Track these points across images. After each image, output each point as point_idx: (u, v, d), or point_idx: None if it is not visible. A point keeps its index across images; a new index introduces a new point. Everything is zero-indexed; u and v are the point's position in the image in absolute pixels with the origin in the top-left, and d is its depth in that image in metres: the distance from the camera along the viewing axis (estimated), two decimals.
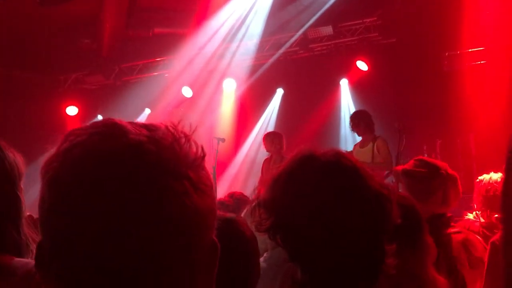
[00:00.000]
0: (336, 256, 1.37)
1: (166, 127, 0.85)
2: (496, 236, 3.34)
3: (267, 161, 8.17)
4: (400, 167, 3.46)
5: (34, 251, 1.95)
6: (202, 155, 0.85)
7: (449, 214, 3.19)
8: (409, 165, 3.34)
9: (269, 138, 8.09)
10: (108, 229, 0.75)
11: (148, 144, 0.80)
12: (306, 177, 1.43)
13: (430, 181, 3.14)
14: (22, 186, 1.90)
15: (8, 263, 1.72)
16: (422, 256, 2.04)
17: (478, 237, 3.12)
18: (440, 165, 3.25)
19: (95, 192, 0.76)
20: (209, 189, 0.85)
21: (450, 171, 3.26)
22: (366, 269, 1.38)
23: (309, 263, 1.41)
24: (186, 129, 0.86)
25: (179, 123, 0.87)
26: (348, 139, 9.99)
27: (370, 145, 7.65)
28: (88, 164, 0.78)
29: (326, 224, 1.36)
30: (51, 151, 0.84)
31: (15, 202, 1.84)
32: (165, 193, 0.77)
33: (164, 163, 0.79)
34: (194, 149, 0.85)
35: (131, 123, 0.85)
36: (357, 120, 7.83)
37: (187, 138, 0.85)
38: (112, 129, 0.82)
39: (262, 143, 8.21)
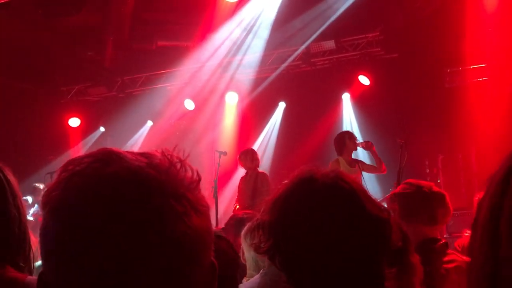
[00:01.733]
0: (334, 281, 1.35)
1: (162, 153, 0.88)
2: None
3: (242, 179, 8.22)
4: (392, 192, 3.46)
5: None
6: (197, 178, 0.88)
7: (443, 240, 3.12)
8: (397, 189, 3.32)
9: (245, 156, 8.13)
10: (114, 253, 0.76)
11: (147, 168, 0.82)
12: (304, 200, 1.42)
13: (412, 200, 3.10)
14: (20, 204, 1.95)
15: (23, 280, 1.74)
16: (409, 276, 2.03)
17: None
18: (423, 184, 3.19)
19: (99, 217, 0.77)
20: (207, 210, 0.88)
21: (435, 189, 3.18)
22: None
23: (304, 286, 1.39)
24: (180, 155, 0.89)
25: (174, 148, 0.90)
26: None
27: (357, 167, 7.67)
28: (90, 190, 0.79)
29: (324, 248, 1.35)
30: (51, 182, 0.85)
31: (18, 215, 1.87)
32: (167, 214, 0.80)
33: (164, 186, 0.82)
34: (190, 173, 0.88)
35: (128, 151, 0.87)
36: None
37: (182, 163, 0.88)
38: (110, 156, 0.84)
39: (238, 161, 8.26)
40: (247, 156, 8.10)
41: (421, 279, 2.08)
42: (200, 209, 0.85)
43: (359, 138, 8.15)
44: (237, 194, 8.32)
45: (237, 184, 8.35)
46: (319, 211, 1.38)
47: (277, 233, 1.42)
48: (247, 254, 2.95)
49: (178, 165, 0.87)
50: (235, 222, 4.06)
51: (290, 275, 1.41)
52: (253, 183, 7.97)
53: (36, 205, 9.88)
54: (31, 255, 1.87)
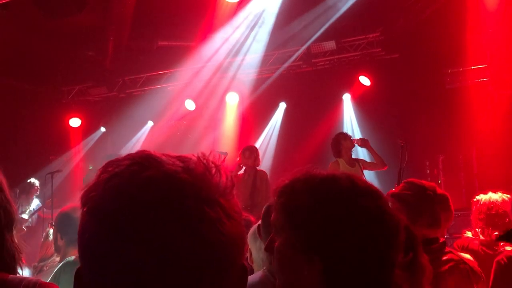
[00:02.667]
0: (349, 280, 1.35)
1: (198, 157, 0.90)
2: (502, 255, 3.32)
3: (240, 178, 8.02)
4: (389, 191, 3.42)
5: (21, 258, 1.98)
6: (231, 184, 0.90)
7: (442, 239, 3.11)
8: (397, 188, 3.26)
9: (249, 153, 7.96)
10: (149, 256, 0.79)
11: (182, 173, 0.85)
12: (320, 200, 1.40)
13: (416, 203, 3.05)
14: (10, 197, 1.95)
15: (4, 279, 1.75)
16: (418, 277, 2.02)
17: (467, 258, 3.04)
18: (427, 186, 3.14)
19: (136, 219, 0.80)
20: (239, 216, 0.90)
21: (438, 191, 3.14)
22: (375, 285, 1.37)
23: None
24: (216, 159, 0.91)
25: (210, 153, 0.92)
26: None
27: (357, 165, 7.68)
28: (127, 193, 0.82)
29: (340, 249, 1.34)
30: (90, 182, 0.88)
31: (10, 211, 1.88)
32: (201, 220, 0.83)
33: (198, 191, 0.84)
34: (224, 178, 0.90)
35: (165, 154, 0.90)
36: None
37: (218, 168, 0.90)
38: (148, 159, 0.87)
39: (240, 157, 8.03)
40: (251, 154, 7.99)
41: (430, 279, 2.08)
42: (233, 215, 0.88)
43: (355, 136, 8.16)
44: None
45: (237, 185, 8.24)
46: (334, 212, 1.37)
47: (286, 232, 1.42)
48: (256, 256, 2.94)
49: (213, 170, 0.89)
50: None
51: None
52: (252, 181, 7.86)
53: (33, 204, 9.85)
54: (16, 253, 1.88)
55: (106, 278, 0.81)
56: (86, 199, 0.86)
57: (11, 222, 1.89)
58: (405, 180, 3.30)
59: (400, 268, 1.46)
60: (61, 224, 3.52)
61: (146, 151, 0.90)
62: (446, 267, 2.88)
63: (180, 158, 0.89)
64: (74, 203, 3.67)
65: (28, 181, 9.80)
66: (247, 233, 3.12)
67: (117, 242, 0.80)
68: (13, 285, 1.74)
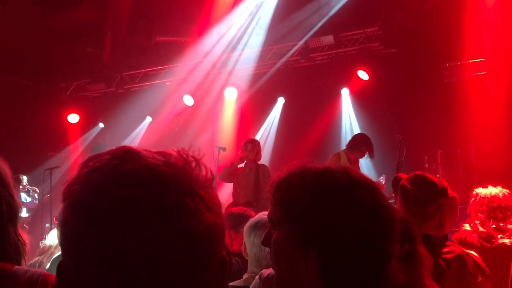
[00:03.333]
0: (346, 273, 1.35)
1: (178, 152, 0.91)
2: None
3: (241, 172, 7.92)
4: (402, 178, 3.32)
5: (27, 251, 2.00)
6: (211, 177, 0.92)
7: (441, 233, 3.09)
8: (408, 180, 3.13)
9: (252, 147, 7.82)
10: (130, 249, 0.80)
11: (163, 166, 0.86)
12: (320, 192, 1.40)
13: (426, 207, 2.96)
14: (14, 190, 1.97)
15: (9, 270, 1.76)
16: (417, 267, 2.02)
17: (472, 253, 3.03)
18: (440, 188, 3.02)
19: (117, 212, 0.81)
20: (219, 208, 0.92)
21: (450, 194, 3.05)
22: (372, 277, 1.37)
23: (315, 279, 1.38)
24: (196, 154, 0.93)
25: (189, 148, 0.94)
26: None
27: (357, 166, 7.67)
28: (109, 186, 0.83)
29: (336, 242, 1.34)
30: (71, 176, 0.89)
31: (11, 203, 1.89)
32: (180, 210, 0.84)
33: (179, 184, 0.86)
34: (204, 172, 0.91)
35: (145, 149, 0.91)
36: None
37: (197, 162, 0.92)
38: (128, 153, 0.88)
39: (242, 150, 7.88)
40: (254, 147, 7.85)
41: (430, 269, 2.07)
42: (213, 207, 0.89)
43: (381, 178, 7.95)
44: (232, 188, 8.04)
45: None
46: (333, 205, 1.38)
47: (283, 225, 1.42)
48: (249, 251, 2.95)
49: (193, 164, 0.90)
50: (234, 219, 4.05)
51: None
52: (255, 176, 7.77)
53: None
54: (20, 246, 1.89)
55: (88, 271, 0.81)
56: (68, 193, 0.87)
57: (15, 216, 1.91)
58: (416, 173, 3.16)
59: (398, 259, 1.46)
60: None
61: (126, 146, 0.91)
62: (448, 258, 2.87)
63: (160, 153, 0.90)
64: None
65: (15, 176, 9.78)
66: (243, 226, 3.12)
67: (98, 236, 0.80)
68: (17, 276, 1.76)
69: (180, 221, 0.83)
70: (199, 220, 0.85)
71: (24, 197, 9.96)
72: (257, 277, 2.37)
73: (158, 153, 0.90)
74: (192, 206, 0.85)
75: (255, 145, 7.95)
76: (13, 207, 1.89)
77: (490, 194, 4.19)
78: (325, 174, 1.43)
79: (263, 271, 2.41)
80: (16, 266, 1.80)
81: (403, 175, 3.91)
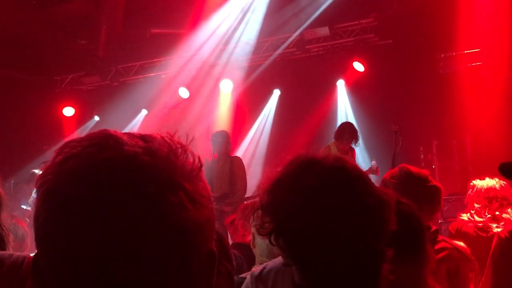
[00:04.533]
0: (336, 261, 1.36)
1: (163, 137, 0.85)
2: (503, 230, 3.34)
3: (214, 164, 7.79)
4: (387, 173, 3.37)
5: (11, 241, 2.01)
6: (199, 165, 0.85)
7: (434, 227, 3.09)
8: (389, 173, 3.22)
9: (221, 139, 7.71)
10: (106, 242, 0.75)
11: (143, 155, 0.80)
12: (309, 181, 1.41)
13: (403, 195, 3.04)
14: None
15: None
16: (421, 266, 2.02)
17: (462, 246, 3.04)
18: (416, 177, 3.07)
19: (90, 203, 0.76)
20: (206, 200, 0.85)
21: (429, 183, 3.09)
22: (366, 273, 1.38)
23: (309, 268, 1.40)
24: (183, 139, 0.86)
25: (175, 133, 0.87)
26: None
27: (350, 154, 7.69)
28: (83, 176, 0.78)
29: (324, 233, 1.35)
30: (45, 164, 0.83)
31: None
32: (159, 204, 0.77)
33: (159, 175, 0.79)
34: (191, 160, 0.84)
35: (128, 133, 0.85)
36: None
37: (184, 148, 0.85)
38: (107, 140, 0.82)
39: (211, 143, 7.80)
40: (223, 139, 7.74)
41: (433, 269, 2.07)
42: (199, 199, 0.83)
43: (356, 127, 7.99)
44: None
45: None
46: (308, 198, 1.38)
47: (280, 215, 1.42)
48: (260, 241, 2.93)
49: (179, 151, 0.83)
50: (248, 211, 4.05)
51: (293, 255, 1.42)
52: (229, 168, 7.66)
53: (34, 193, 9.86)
54: (4, 236, 1.90)
55: (63, 265, 0.77)
56: (41, 183, 0.81)
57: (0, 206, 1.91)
58: (399, 165, 3.25)
59: (403, 259, 1.46)
60: None
61: (106, 130, 0.84)
62: (439, 256, 2.88)
63: (144, 138, 0.84)
64: None
65: (32, 171, 9.76)
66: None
67: (72, 227, 0.76)
68: (2, 259, 1.76)
69: (158, 216, 0.77)
70: (181, 216, 0.79)
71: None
72: (248, 276, 2.37)
73: (142, 137, 0.84)
74: (173, 201, 0.78)
75: (224, 136, 7.82)
76: None
77: (487, 185, 4.23)
78: (317, 175, 1.43)
79: (254, 269, 2.41)
80: (0, 251, 1.81)
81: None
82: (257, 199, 1.53)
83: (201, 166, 0.86)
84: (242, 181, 7.68)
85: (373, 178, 7.69)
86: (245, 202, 4.46)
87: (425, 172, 3.23)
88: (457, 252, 2.92)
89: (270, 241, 1.44)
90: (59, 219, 0.77)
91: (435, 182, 3.19)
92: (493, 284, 2.87)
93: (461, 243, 3.05)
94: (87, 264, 0.75)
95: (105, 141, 0.81)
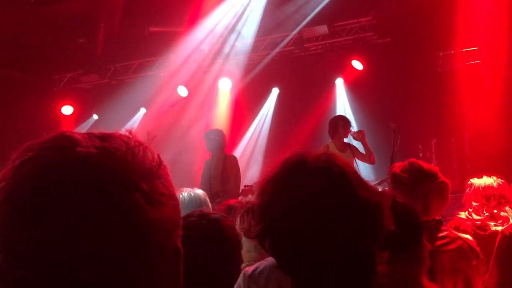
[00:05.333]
0: (324, 265, 1.34)
1: (120, 136, 0.84)
2: (507, 227, 3.35)
3: (208, 162, 7.79)
4: (395, 167, 3.37)
5: None
6: (158, 163, 0.85)
7: (437, 217, 3.11)
8: (400, 167, 3.23)
9: (214, 136, 7.64)
10: (60, 241, 0.75)
11: (97, 156, 0.79)
12: (293, 185, 1.39)
13: (414, 190, 3.02)
14: None
15: None
16: (415, 265, 2.01)
17: (467, 237, 3.05)
18: (427, 173, 3.11)
19: (45, 205, 0.76)
20: (167, 198, 0.84)
21: (440, 179, 3.14)
22: (356, 278, 1.36)
23: (296, 271, 1.38)
24: (143, 137, 0.86)
25: (132, 130, 0.86)
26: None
27: (349, 151, 7.64)
28: (37, 179, 0.78)
29: (313, 232, 1.33)
30: (3, 169, 0.83)
31: None
32: (113, 207, 0.77)
33: (113, 176, 0.78)
34: (150, 158, 0.84)
35: (86, 133, 0.84)
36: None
37: (143, 147, 0.84)
38: (61, 141, 0.82)
39: (205, 141, 7.73)
40: (216, 137, 7.66)
41: (428, 266, 2.07)
42: (157, 198, 0.82)
43: (354, 125, 8.07)
44: (201, 179, 7.81)
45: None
46: (304, 197, 1.36)
47: (267, 217, 1.41)
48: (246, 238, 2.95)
49: (137, 150, 0.83)
50: (226, 209, 4.05)
51: (280, 259, 1.41)
52: (222, 167, 7.55)
53: None
54: None
55: (25, 266, 0.77)
56: None
57: None
58: (408, 160, 3.25)
59: (395, 259, 1.45)
60: None
61: (63, 132, 0.84)
62: (441, 242, 2.89)
63: (101, 137, 0.83)
64: None
65: None
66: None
67: (30, 229, 0.75)
68: None
69: (116, 219, 0.76)
70: (137, 216, 0.78)
71: None
72: (241, 274, 2.37)
73: (100, 137, 0.83)
74: (127, 201, 0.78)
75: (218, 134, 7.74)
76: None
77: (485, 183, 4.23)
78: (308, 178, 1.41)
79: (247, 268, 2.42)
80: None
81: (397, 164, 3.94)
82: (243, 200, 1.52)
83: (160, 163, 0.85)
84: (235, 180, 7.56)
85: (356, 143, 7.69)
86: (229, 202, 4.38)
87: (435, 168, 3.27)
88: (461, 241, 2.93)
89: (260, 242, 1.42)
90: (16, 223, 0.77)
91: (444, 178, 3.20)
92: (498, 280, 2.88)
93: (468, 236, 3.06)
94: (49, 266, 0.75)
95: (59, 143, 0.81)
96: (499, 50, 8.74)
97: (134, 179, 0.80)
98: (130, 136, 0.85)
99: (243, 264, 2.97)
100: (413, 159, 3.26)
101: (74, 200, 0.76)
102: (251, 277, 2.31)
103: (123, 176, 0.79)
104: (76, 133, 0.84)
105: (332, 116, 8.14)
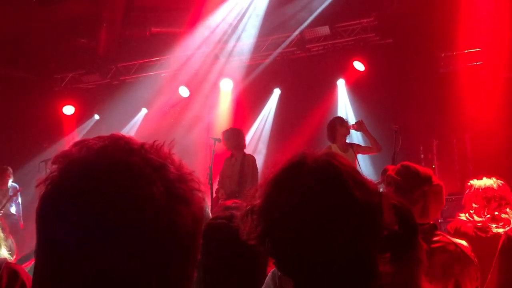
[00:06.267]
0: (324, 265, 1.34)
1: (152, 144, 0.92)
2: (510, 228, 3.34)
3: (227, 162, 7.75)
4: (389, 170, 3.38)
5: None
6: (189, 171, 0.93)
7: (431, 221, 3.12)
8: (394, 170, 3.23)
9: (229, 135, 7.59)
10: (109, 234, 0.80)
11: (135, 157, 0.86)
12: (293, 185, 1.39)
13: (410, 194, 3.04)
14: None
15: None
16: (414, 266, 2.01)
17: (460, 243, 3.05)
18: (423, 176, 3.12)
19: (92, 204, 0.80)
20: (195, 199, 0.91)
21: (434, 181, 3.14)
22: (356, 278, 1.35)
23: (296, 272, 1.38)
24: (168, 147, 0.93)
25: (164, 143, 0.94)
26: None
27: (351, 151, 7.60)
28: (85, 177, 0.82)
29: (310, 235, 1.33)
30: (50, 167, 0.87)
31: None
32: (152, 207, 0.83)
33: (152, 178, 0.85)
34: (184, 167, 0.93)
35: (131, 137, 0.92)
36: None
37: (175, 156, 0.94)
38: (117, 141, 0.88)
39: (222, 142, 7.68)
40: (232, 136, 7.62)
41: (426, 267, 2.07)
42: (187, 199, 0.90)
43: (351, 121, 8.04)
44: (219, 178, 7.84)
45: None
46: (304, 197, 1.36)
47: (266, 219, 1.40)
48: None
49: (171, 159, 0.92)
50: (223, 210, 4.02)
51: (279, 260, 1.40)
52: (240, 166, 7.53)
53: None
54: None
55: (65, 258, 0.81)
56: (47, 180, 0.86)
57: None
58: (401, 163, 3.26)
59: (394, 260, 1.45)
60: None
61: (116, 133, 0.91)
62: (435, 245, 2.89)
63: (140, 145, 0.91)
64: None
65: (4, 167, 9.70)
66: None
67: (75, 225, 0.80)
68: None
69: (153, 216, 0.82)
70: (181, 213, 0.85)
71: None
72: (270, 273, 2.37)
73: (139, 144, 0.91)
74: (163, 203, 0.84)
75: (233, 133, 7.69)
76: None
77: (485, 185, 4.21)
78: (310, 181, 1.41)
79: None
80: None
81: (390, 167, 3.94)
82: (244, 202, 1.52)
83: (191, 172, 0.94)
84: (253, 181, 7.40)
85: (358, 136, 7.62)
86: (225, 203, 4.34)
87: (429, 171, 3.26)
88: (454, 246, 2.92)
89: (260, 243, 1.42)
90: (62, 219, 0.81)
91: (438, 181, 3.22)
92: (499, 282, 2.86)
93: (463, 242, 3.05)
94: (90, 255, 0.79)
95: (115, 142, 0.88)
96: (501, 51, 8.73)
97: (173, 182, 0.87)
98: (158, 146, 0.92)
99: None
100: (406, 162, 3.26)
101: (125, 195, 0.81)
102: (282, 275, 2.31)
103: (160, 178, 0.86)
104: (126, 135, 0.91)
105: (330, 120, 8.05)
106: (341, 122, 7.61)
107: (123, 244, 0.80)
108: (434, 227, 3.05)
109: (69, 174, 0.83)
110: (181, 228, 0.86)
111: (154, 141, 0.93)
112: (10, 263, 1.85)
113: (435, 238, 2.96)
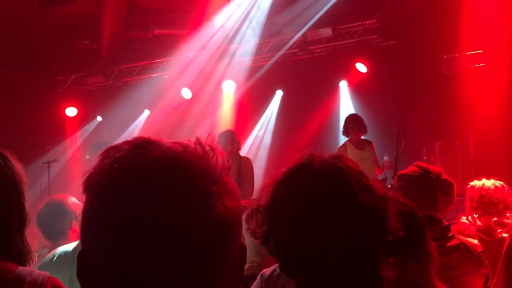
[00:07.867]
0: (324, 270, 1.34)
1: (195, 142, 0.92)
2: None
3: None
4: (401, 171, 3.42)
5: (34, 259, 1.98)
6: (228, 165, 0.93)
7: (445, 223, 3.11)
8: (406, 170, 3.29)
9: (224, 138, 7.44)
10: (161, 236, 0.80)
11: (185, 154, 0.87)
12: (298, 187, 1.40)
13: (417, 184, 3.08)
14: (25, 194, 1.96)
15: (13, 270, 1.75)
16: (424, 266, 2.01)
17: (473, 242, 3.05)
18: (432, 170, 3.16)
19: (144, 201, 0.81)
20: (238, 193, 0.93)
21: (443, 176, 3.17)
22: (359, 281, 1.35)
23: (299, 273, 1.38)
24: (212, 143, 0.93)
25: (208, 137, 0.95)
26: None
27: (368, 148, 7.64)
28: (133, 175, 0.83)
29: (313, 237, 1.33)
30: (92, 167, 0.88)
31: (21, 211, 1.88)
32: (208, 197, 0.85)
33: (203, 171, 0.87)
34: (221, 161, 0.92)
35: (163, 139, 0.92)
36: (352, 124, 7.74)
37: (214, 151, 0.92)
38: (149, 143, 0.88)
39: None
40: (227, 139, 7.46)
41: (437, 266, 2.06)
42: (234, 192, 0.91)
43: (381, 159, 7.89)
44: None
45: None
46: (309, 199, 1.37)
47: (271, 219, 1.41)
48: (247, 239, 2.94)
49: (211, 153, 0.91)
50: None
51: (282, 260, 1.41)
52: (237, 168, 7.40)
53: None
54: (25, 254, 1.87)
55: (116, 261, 0.81)
56: (89, 184, 0.86)
57: (23, 224, 1.89)
58: (415, 163, 3.30)
59: (407, 255, 1.44)
60: None
61: (144, 136, 0.91)
62: (448, 246, 2.89)
63: (178, 143, 0.91)
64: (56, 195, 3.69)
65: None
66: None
67: (126, 225, 0.80)
68: (23, 275, 1.74)
69: (208, 207, 0.84)
70: (225, 206, 0.86)
71: None
72: (258, 277, 2.37)
73: (176, 142, 0.91)
74: (217, 192, 0.86)
75: (227, 136, 7.57)
76: (22, 216, 1.88)
77: (482, 188, 4.19)
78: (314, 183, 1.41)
79: (264, 270, 2.41)
80: (20, 267, 1.79)
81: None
82: (249, 202, 1.53)
83: (230, 165, 0.93)
84: (250, 183, 7.42)
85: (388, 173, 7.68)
86: None
87: (440, 169, 3.33)
88: (464, 245, 2.92)
89: (265, 242, 1.43)
90: (112, 220, 0.81)
91: (449, 177, 3.27)
92: (505, 286, 2.86)
93: (475, 241, 3.06)
94: (139, 258, 0.80)
95: (147, 144, 0.88)
96: (504, 53, 8.72)
97: (217, 175, 0.89)
98: (200, 142, 0.92)
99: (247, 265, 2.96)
100: (417, 162, 3.32)
101: (172, 194, 0.82)
102: (269, 279, 2.31)
103: (209, 171, 0.87)
104: (156, 138, 0.92)
105: (339, 118, 8.09)
106: (355, 128, 7.63)
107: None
108: (448, 228, 3.05)
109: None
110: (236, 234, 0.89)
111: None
112: (53, 278, 1.82)
113: (448, 238, 2.96)
